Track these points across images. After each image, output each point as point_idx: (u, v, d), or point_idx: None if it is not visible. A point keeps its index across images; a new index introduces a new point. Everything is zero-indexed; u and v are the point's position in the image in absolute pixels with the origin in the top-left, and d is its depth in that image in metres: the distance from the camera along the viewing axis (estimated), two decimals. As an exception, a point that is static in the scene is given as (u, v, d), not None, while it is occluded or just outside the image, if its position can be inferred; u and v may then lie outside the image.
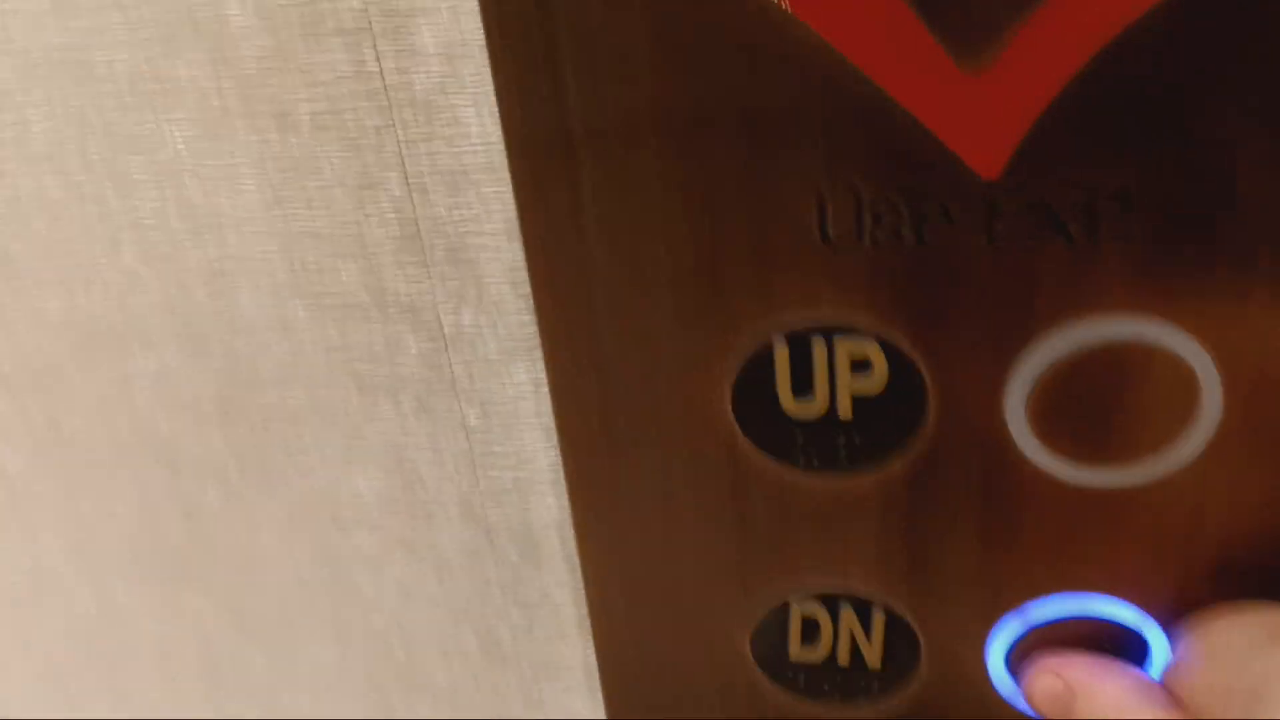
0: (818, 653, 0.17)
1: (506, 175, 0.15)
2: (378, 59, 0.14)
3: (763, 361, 0.15)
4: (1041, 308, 0.14)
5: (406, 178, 0.15)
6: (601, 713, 0.19)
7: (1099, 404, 0.14)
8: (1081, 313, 0.14)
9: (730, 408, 0.15)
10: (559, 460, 0.17)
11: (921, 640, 0.17)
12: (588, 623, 0.18)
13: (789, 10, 0.12)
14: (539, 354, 0.16)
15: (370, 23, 0.14)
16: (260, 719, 0.21)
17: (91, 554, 0.20)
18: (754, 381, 0.15)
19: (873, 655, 0.17)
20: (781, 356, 0.14)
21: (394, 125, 0.15)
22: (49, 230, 0.17)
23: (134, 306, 0.17)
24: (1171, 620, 0.16)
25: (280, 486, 0.18)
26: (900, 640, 0.17)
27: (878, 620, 0.17)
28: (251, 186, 0.16)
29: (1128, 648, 0.16)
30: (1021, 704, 0.17)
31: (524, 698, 0.20)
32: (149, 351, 0.17)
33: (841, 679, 0.18)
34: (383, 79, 0.14)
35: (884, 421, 0.15)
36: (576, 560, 0.18)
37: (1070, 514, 0.15)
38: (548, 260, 0.15)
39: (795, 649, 0.18)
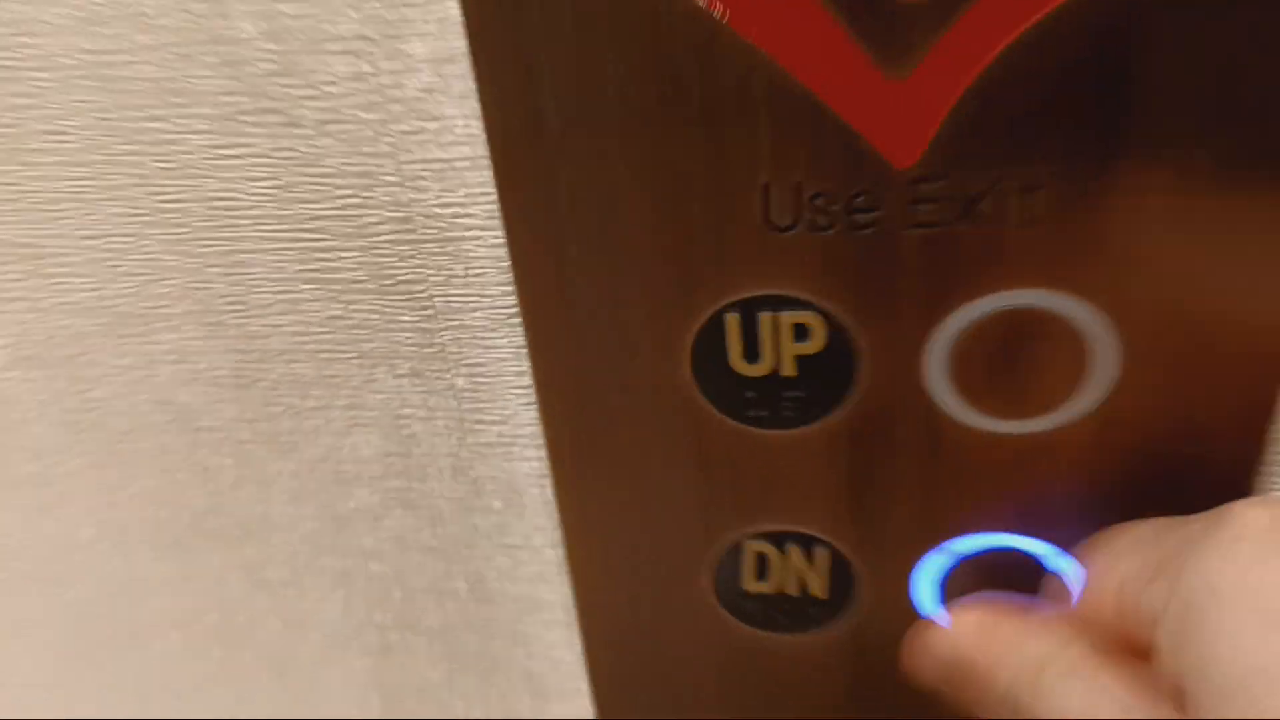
0: (769, 585, 0.20)
1: (488, 167, 0.17)
2: (375, 67, 0.16)
3: (716, 329, 0.17)
4: (956, 281, 0.16)
5: (401, 171, 0.17)
6: (578, 645, 0.21)
7: (1009, 363, 0.17)
8: (991, 285, 0.16)
9: (689, 370, 0.17)
10: (538, 419, 0.19)
11: (859, 572, 0.19)
12: (565, 564, 0.20)
13: (729, 24, 0.14)
14: (519, 324, 0.18)
15: (367, 35, 0.16)
16: (272, 666, 0.24)
17: (118, 521, 0.22)
18: (709, 347, 0.17)
19: (818, 586, 0.20)
20: (733, 325, 0.17)
21: (389, 125, 0.17)
22: (80, 224, 0.18)
23: (156, 292, 0.19)
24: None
25: (289, 450, 0.20)
26: (841, 573, 0.19)
27: (821, 556, 0.19)
28: (262, 177, 0.17)
29: (1039, 577, 0.18)
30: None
31: (510, 632, 0.22)
32: (171, 332, 0.19)
33: (790, 608, 0.20)
34: (379, 84, 0.16)
35: (823, 381, 0.17)
36: (555, 509, 0.20)
37: (987, 459, 0.17)
38: (525, 242, 0.17)
39: (749, 582, 0.20)
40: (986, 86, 0.14)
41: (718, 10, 0.14)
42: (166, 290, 0.19)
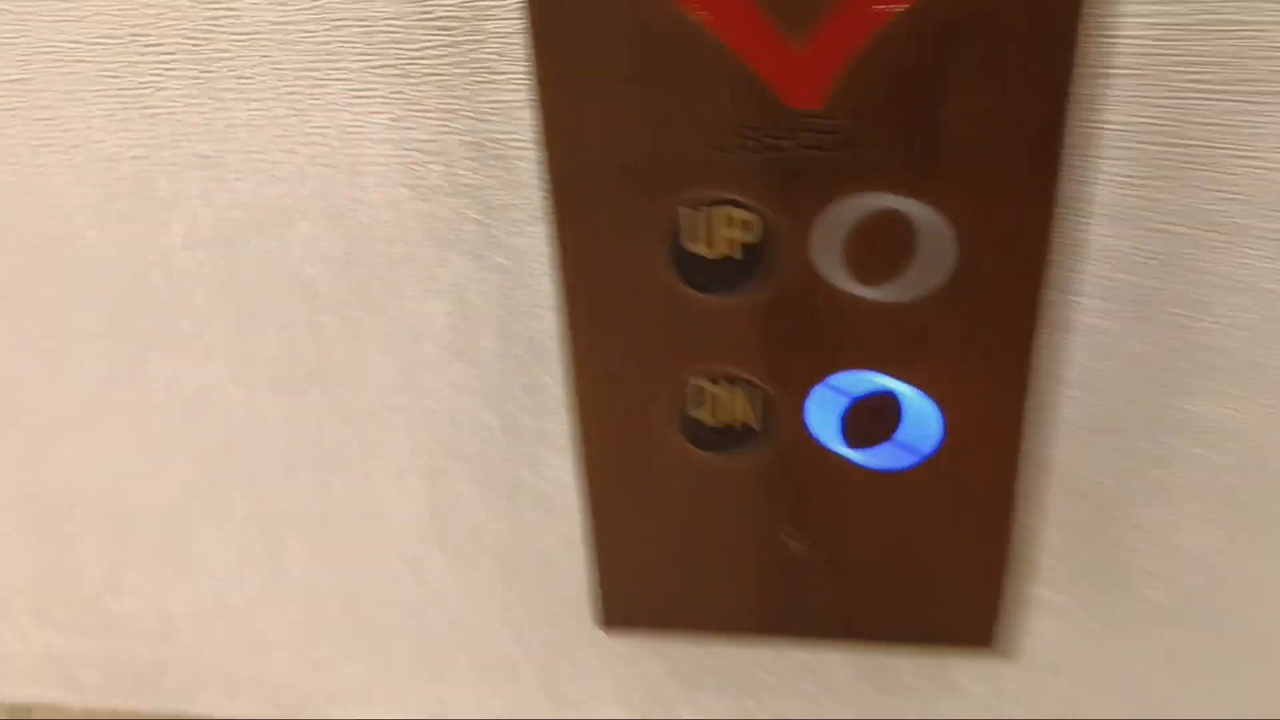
0: (716, 417, 0.28)
1: (533, 108, 0.25)
2: (462, 38, 0.25)
3: (675, 233, 0.25)
4: (838, 190, 0.24)
5: (475, 109, 0.26)
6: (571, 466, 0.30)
7: (877, 246, 0.25)
8: (863, 188, 0.24)
9: (665, 253, 0.26)
10: (557, 290, 0.27)
11: (778, 406, 0.27)
12: (569, 401, 0.29)
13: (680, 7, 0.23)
14: (546, 221, 0.27)
15: (458, 15, 0.24)
16: (354, 489, 0.32)
17: (248, 369, 0.30)
18: (677, 236, 0.25)
19: (750, 417, 0.28)
20: (693, 218, 0.25)
21: (469, 77, 0.25)
22: (249, 143, 0.27)
23: (301, 194, 0.27)
24: (934, 393, 0.26)
25: (379, 313, 0.29)
26: (766, 406, 0.27)
27: (754, 394, 0.27)
28: (382, 113, 0.26)
29: (899, 413, 0.27)
30: (835, 447, 0.28)
31: (528, 457, 0.30)
32: (306, 222, 0.28)
33: (731, 435, 0.28)
34: (465, 49, 0.25)
35: (752, 261, 0.25)
36: (565, 358, 0.28)
37: (865, 319, 0.26)
38: (556, 162, 0.25)
39: (703, 415, 0.28)
40: (863, 59, 0.23)
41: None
42: (307, 192, 0.27)
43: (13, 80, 0.27)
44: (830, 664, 0.32)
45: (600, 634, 0.32)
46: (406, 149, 0.26)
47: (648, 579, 0.31)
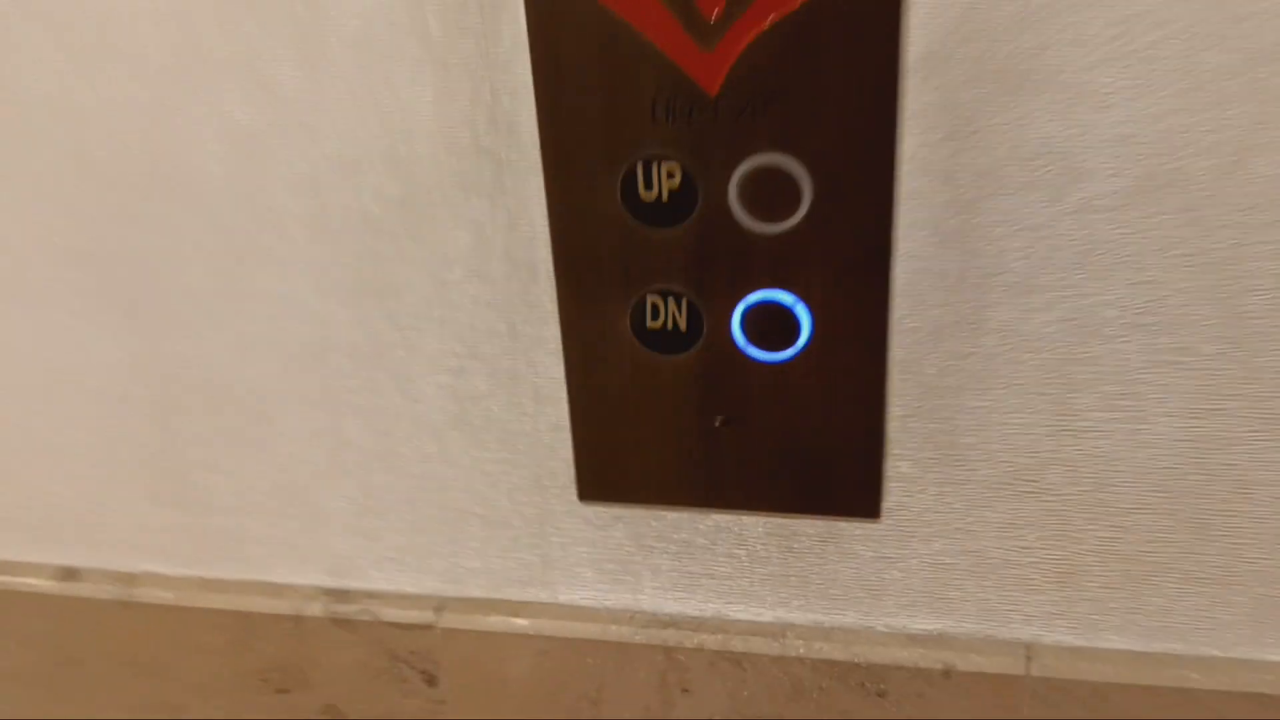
0: (657, 323, 0.38)
1: (533, 91, 0.36)
2: (482, 39, 0.36)
3: (630, 174, 0.36)
4: (739, 150, 0.35)
5: (492, 90, 0.37)
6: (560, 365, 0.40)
7: (772, 189, 0.35)
8: (754, 149, 0.35)
9: (619, 197, 0.36)
10: (548, 227, 0.38)
11: (704, 315, 0.38)
12: (557, 311, 0.39)
13: (607, 8, 0.34)
14: (543, 174, 0.38)
15: (479, 20, 0.36)
16: (399, 382, 0.42)
17: (325, 285, 0.42)
18: (626, 184, 0.36)
19: (683, 324, 0.38)
20: (638, 171, 0.36)
21: (489, 69, 0.36)
22: (339, 111, 0.38)
23: (371, 152, 0.39)
24: (810, 300, 0.36)
25: (423, 243, 0.40)
26: (694, 315, 0.38)
27: (685, 305, 0.38)
28: (429, 97, 0.37)
29: (792, 322, 0.37)
30: (752, 352, 0.38)
31: (526, 358, 0.41)
32: (373, 172, 0.39)
33: (672, 338, 0.38)
34: (485, 46, 0.36)
35: (682, 203, 0.36)
36: (554, 279, 0.39)
37: (760, 246, 0.36)
38: (546, 132, 0.36)
39: (648, 322, 0.38)
40: (746, 60, 0.33)
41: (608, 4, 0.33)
42: (375, 151, 0.39)
43: (169, 66, 0.38)
44: (746, 530, 0.42)
45: (579, 504, 0.43)
46: (444, 121, 0.37)
47: (613, 458, 0.41)
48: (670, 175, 0.35)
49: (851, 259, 0.35)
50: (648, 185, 0.35)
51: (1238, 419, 0.36)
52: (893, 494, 0.39)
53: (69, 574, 0.51)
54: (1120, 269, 0.34)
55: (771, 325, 0.36)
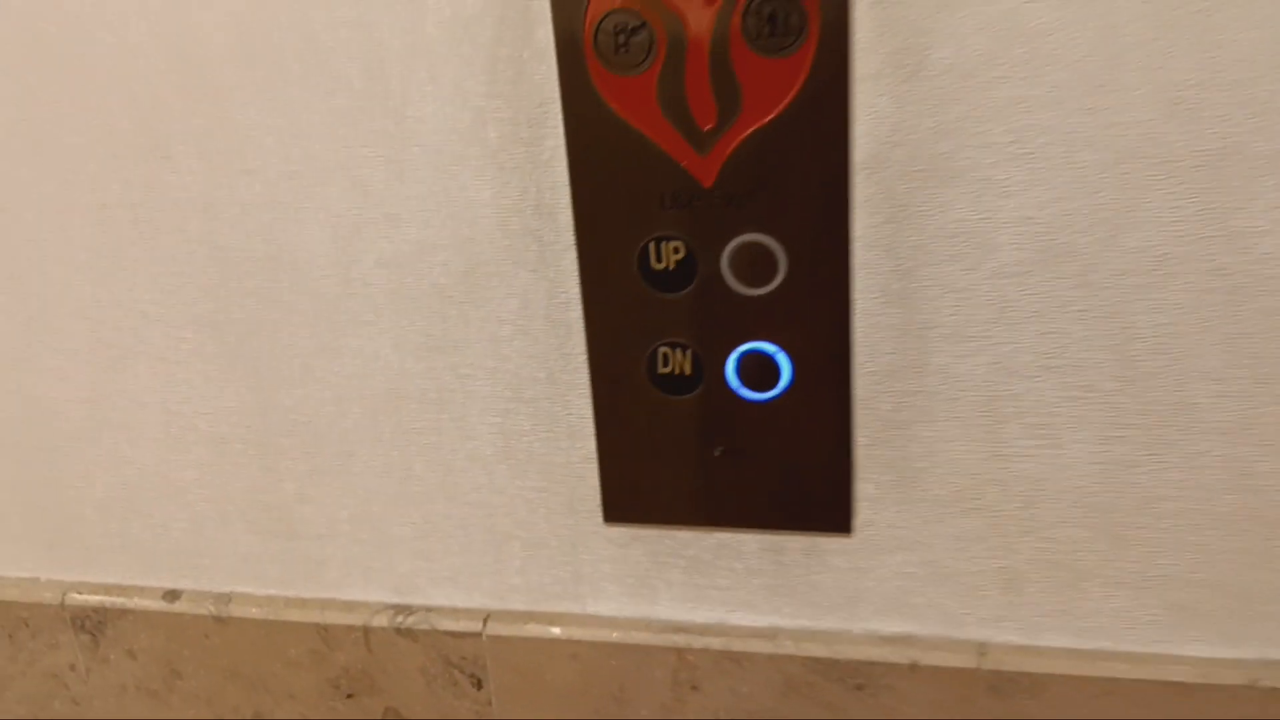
0: (667, 370, 0.48)
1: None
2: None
3: (644, 249, 0.46)
4: (730, 226, 0.44)
5: (539, 187, 0.47)
6: (589, 406, 0.49)
7: (756, 261, 0.45)
8: (741, 229, 0.44)
9: (635, 266, 0.46)
10: (581, 292, 0.48)
11: (704, 363, 0.47)
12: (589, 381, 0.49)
13: (626, 122, 0.44)
14: (576, 250, 0.48)
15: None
16: (457, 422, 0.52)
17: (402, 343, 0.51)
18: (642, 256, 0.46)
19: (688, 370, 0.47)
20: (651, 247, 0.45)
21: (535, 168, 0.47)
22: (419, 205, 0.49)
23: (441, 235, 0.49)
24: (789, 350, 0.46)
25: (481, 307, 0.49)
26: (696, 362, 0.47)
27: (689, 354, 0.47)
28: (488, 192, 0.48)
29: (775, 368, 0.46)
30: (743, 392, 0.47)
31: (563, 400, 0.50)
32: (443, 252, 0.49)
33: (679, 382, 0.47)
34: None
35: (686, 273, 0.46)
36: (585, 334, 0.48)
37: (748, 307, 0.45)
38: (579, 218, 0.46)
39: (659, 369, 0.48)
40: (734, 161, 0.43)
41: (622, 116, 0.44)
42: (445, 235, 0.49)
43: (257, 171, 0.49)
44: (744, 545, 0.50)
45: (604, 526, 0.52)
46: (499, 210, 0.47)
47: (632, 485, 0.51)
48: (676, 251, 0.45)
49: (819, 316, 0.44)
50: (658, 259, 0.45)
51: (1138, 444, 0.44)
52: (861, 512, 0.48)
53: (173, 595, 0.60)
54: (1030, 322, 0.43)
55: (758, 370, 0.46)
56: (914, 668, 0.49)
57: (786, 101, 0.40)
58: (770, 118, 0.41)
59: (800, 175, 0.42)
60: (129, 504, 0.58)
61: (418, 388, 0.51)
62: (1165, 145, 0.39)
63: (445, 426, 0.51)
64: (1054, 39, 0.38)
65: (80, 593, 0.61)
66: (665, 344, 0.46)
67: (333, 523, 0.55)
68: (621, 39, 0.41)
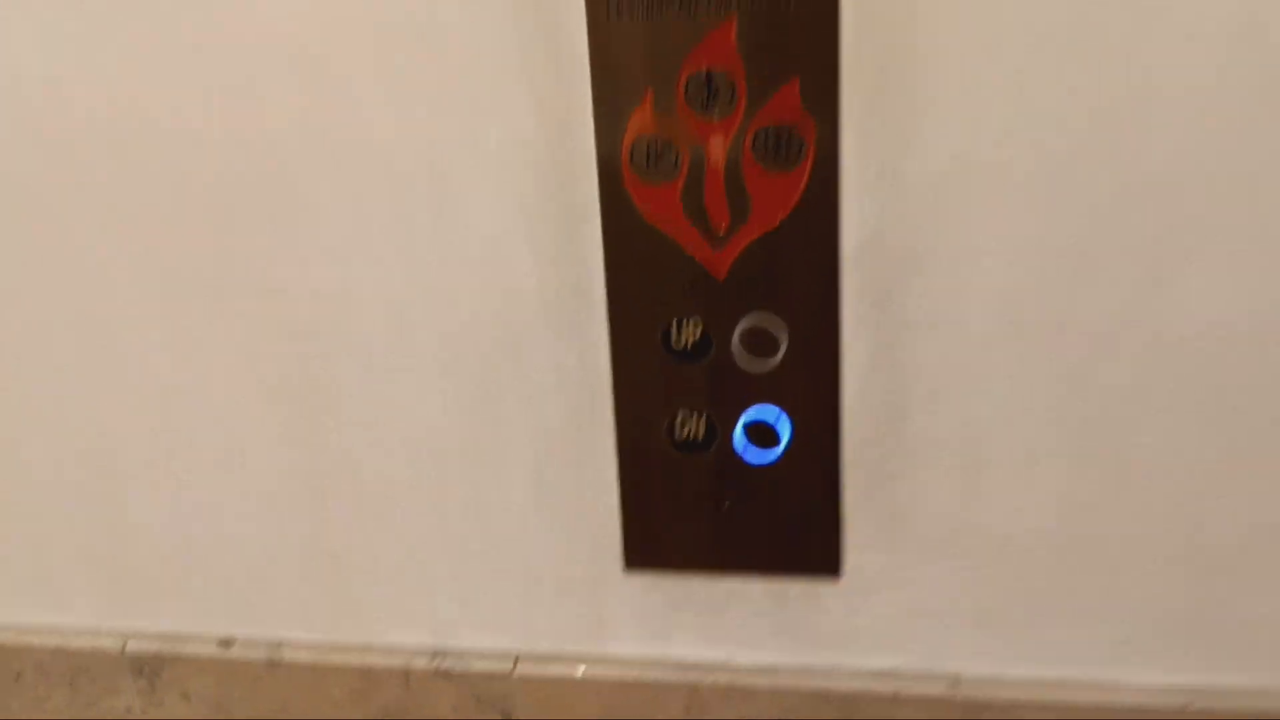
0: (685, 433, 0.55)
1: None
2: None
3: (667, 328, 0.54)
4: (738, 311, 0.53)
5: (576, 273, 0.55)
6: (614, 463, 0.57)
7: (761, 340, 0.53)
8: (748, 312, 0.52)
9: (658, 342, 0.54)
10: (611, 364, 0.56)
11: (717, 426, 0.55)
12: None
13: (653, 225, 0.52)
14: (608, 326, 0.56)
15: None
16: (497, 476, 0.59)
17: (454, 407, 0.59)
18: (665, 335, 0.54)
19: (702, 433, 0.55)
20: (673, 326, 0.53)
21: (572, 261, 0.55)
22: (469, 287, 0.57)
23: (487, 314, 0.57)
24: (792, 418, 0.53)
25: (523, 376, 0.57)
26: (710, 427, 0.55)
27: (704, 419, 0.55)
28: (532, 281, 0.56)
29: (776, 432, 0.54)
30: (749, 453, 0.54)
31: (591, 457, 0.58)
32: (490, 331, 0.57)
33: (694, 444, 0.55)
34: (572, 245, 0.55)
35: (703, 350, 0.53)
36: (613, 399, 0.56)
37: (754, 379, 0.53)
38: (612, 300, 0.54)
39: (677, 432, 0.55)
40: (743, 259, 0.52)
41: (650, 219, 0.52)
42: (489, 313, 0.57)
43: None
44: (749, 590, 0.58)
45: (624, 573, 0.59)
46: (542, 291, 0.55)
47: (651, 534, 0.58)
48: (695, 330, 0.53)
49: (815, 386, 0.52)
50: (679, 336, 0.53)
51: (1095, 492, 0.52)
52: (850, 558, 0.56)
53: (226, 642, 0.66)
54: (996, 387, 0.51)
55: (762, 434, 0.54)
56: (895, 698, 0.56)
57: (788, 210, 0.49)
58: (774, 224, 0.50)
59: (799, 268, 0.50)
60: (189, 555, 0.65)
61: (459, 442, 0.58)
62: (1110, 234, 0.47)
63: (484, 478, 0.59)
64: (1008, 161, 0.47)
65: (139, 640, 0.67)
66: (683, 410, 0.54)
67: (376, 569, 0.62)
68: (652, 157, 0.49)
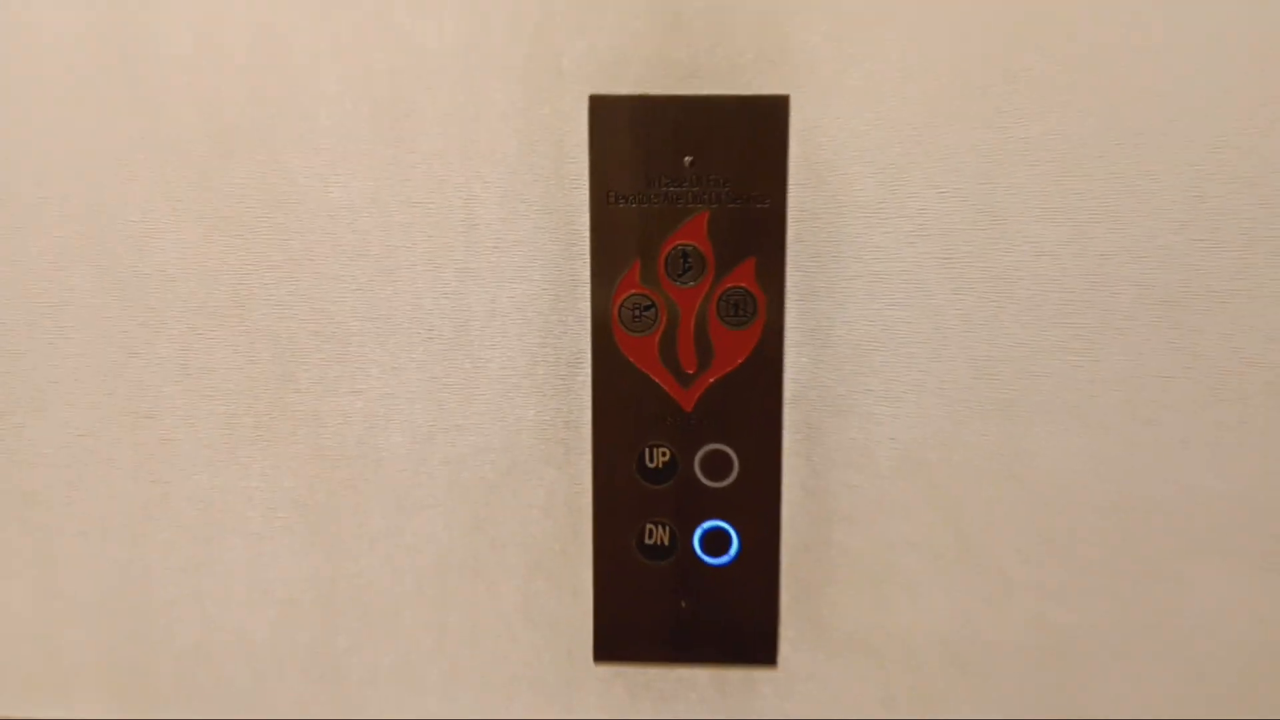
0: (651, 541, 0.67)
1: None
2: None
3: (641, 454, 0.67)
4: (701, 440, 0.66)
5: (569, 408, 0.69)
6: (590, 572, 0.69)
7: (718, 464, 0.66)
8: (709, 441, 0.66)
9: (634, 467, 0.67)
10: (593, 485, 0.68)
11: (679, 536, 0.67)
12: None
13: (635, 366, 0.66)
14: (592, 454, 0.69)
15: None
16: (488, 583, 0.71)
17: (450, 525, 0.71)
18: (641, 460, 0.67)
19: (667, 541, 0.67)
20: (645, 452, 0.67)
21: (564, 400, 0.69)
22: (477, 429, 0.70)
23: (490, 444, 0.70)
24: (739, 528, 0.66)
25: (518, 498, 0.70)
26: (673, 536, 0.67)
27: (667, 529, 0.67)
28: (533, 424, 0.69)
29: (728, 541, 0.66)
30: (705, 559, 0.67)
31: (571, 567, 0.69)
32: (494, 455, 0.70)
33: (659, 551, 0.67)
34: (566, 393, 0.68)
35: (669, 470, 0.66)
36: (593, 516, 0.69)
37: (711, 496, 0.66)
38: (596, 434, 0.67)
39: (645, 540, 0.67)
40: (706, 395, 0.66)
41: (636, 365, 0.66)
42: (497, 442, 0.70)
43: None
44: (698, 678, 0.69)
45: (593, 666, 0.70)
46: (539, 426, 0.68)
47: (617, 630, 0.69)
48: (664, 455, 0.66)
49: (760, 504, 0.66)
50: (651, 461, 0.66)
51: (977, 600, 0.65)
52: (784, 650, 0.67)
53: (222, 740, 0.74)
54: (901, 511, 0.65)
55: (716, 543, 0.66)
56: (823, 775, 0.67)
57: (743, 359, 0.63)
58: (732, 368, 0.64)
59: (751, 406, 0.64)
60: (203, 657, 0.73)
61: (459, 559, 0.69)
62: (986, 390, 0.63)
63: (478, 590, 0.70)
64: (907, 322, 0.63)
65: (142, 736, 0.74)
66: (651, 522, 0.66)
67: (375, 671, 0.71)
68: (637, 312, 0.64)
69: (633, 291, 0.63)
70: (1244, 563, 0.64)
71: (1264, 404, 0.62)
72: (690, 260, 0.62)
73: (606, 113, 0.61)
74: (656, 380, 0.64)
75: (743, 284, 0.62)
